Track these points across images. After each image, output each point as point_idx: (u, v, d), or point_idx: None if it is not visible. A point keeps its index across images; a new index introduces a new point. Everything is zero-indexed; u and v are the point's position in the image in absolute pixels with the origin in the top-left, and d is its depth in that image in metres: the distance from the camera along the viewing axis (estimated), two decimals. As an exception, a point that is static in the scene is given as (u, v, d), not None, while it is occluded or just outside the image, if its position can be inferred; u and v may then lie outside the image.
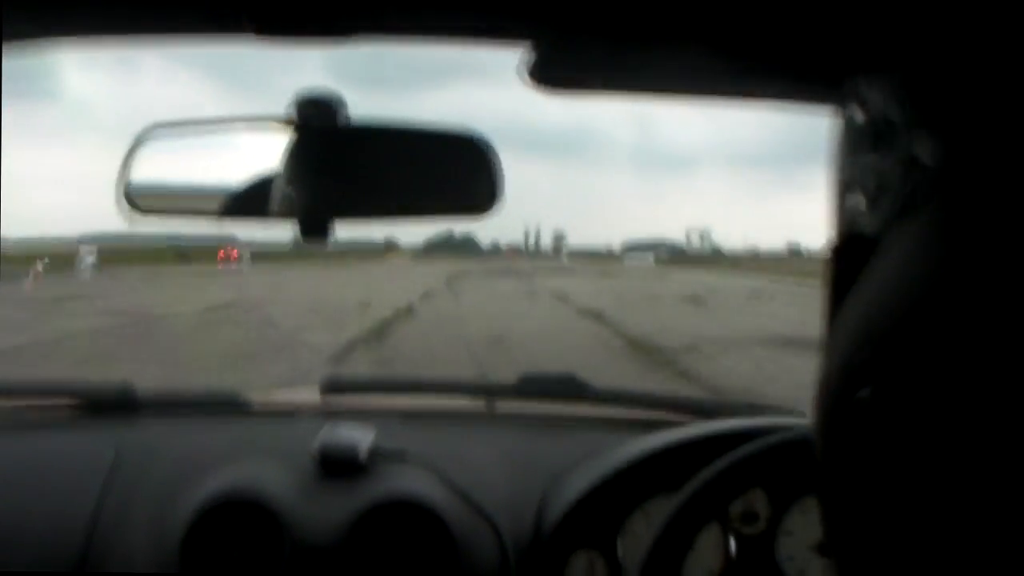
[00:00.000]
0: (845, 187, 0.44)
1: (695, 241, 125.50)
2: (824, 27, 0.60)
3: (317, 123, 0.87)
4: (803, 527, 1.08)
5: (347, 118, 0.87)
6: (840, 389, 0.38)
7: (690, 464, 0.96)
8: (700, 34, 0.64)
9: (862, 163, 0.43)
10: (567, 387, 1.39)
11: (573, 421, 1.38)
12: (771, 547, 1.08)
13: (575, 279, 34.50)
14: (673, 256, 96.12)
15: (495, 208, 0.90)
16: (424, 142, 0.93)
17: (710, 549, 1.07)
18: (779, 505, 1.08)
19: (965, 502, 0.33)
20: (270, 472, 1.14)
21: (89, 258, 33.44)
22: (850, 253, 0.42)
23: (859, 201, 0.43)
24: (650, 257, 79.74)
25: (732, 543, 1.08)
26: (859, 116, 0.44)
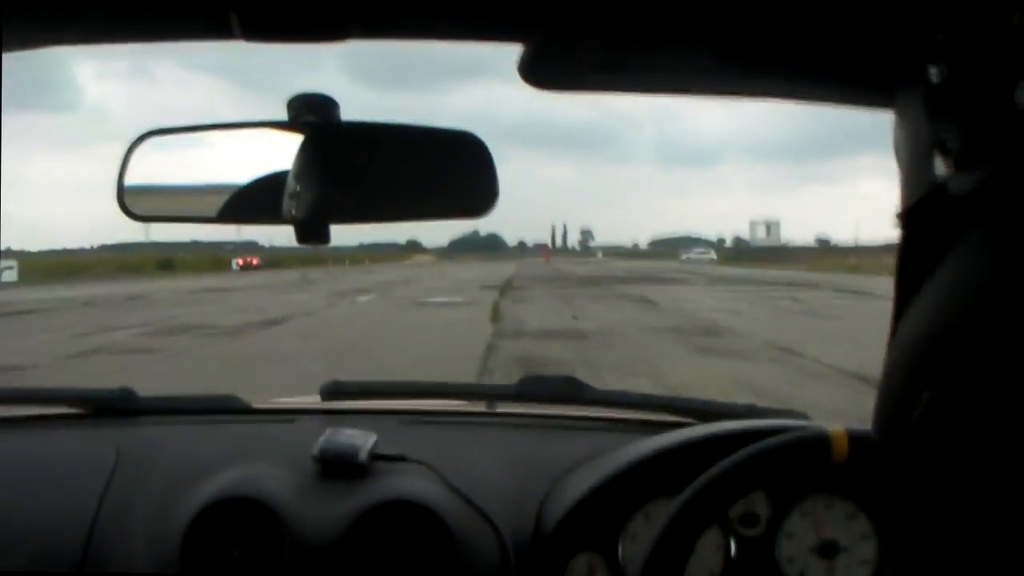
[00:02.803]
0: (923, 152, 0.40)
1: (760, 234, 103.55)
2: (821, 26, 0.59)
3: (311, 126, 0.87)
4: (803, 529, 1.08)
5: (341, 120, 0.87)
6: (904, 386, 0.36)
7: (691, 466, 0.95)
8: (697, 32, 0.63)
9: (945, 124, 0.39)
10: (567, 390, 1.38)
11: (574, 423, 1.38)
12: (771, 549, 1.08)
13: (708, 296, 20.89)
14: (741, 252, 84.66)
15: (491, 208, 0.90)
16: (418, 143, 0.93)
17: (710, 551, 1.07)
18: (779, 507, 1.08)
19: None
20: (270, 473, 1.15)
21: (7, 272, 32.08)
22: (929, 222, 0.39)
23: (942, 165, 0.39)
24: (712, 253, 76.47)
25: (732, 545, 1.08)
26: (937, 76, 0.40)
